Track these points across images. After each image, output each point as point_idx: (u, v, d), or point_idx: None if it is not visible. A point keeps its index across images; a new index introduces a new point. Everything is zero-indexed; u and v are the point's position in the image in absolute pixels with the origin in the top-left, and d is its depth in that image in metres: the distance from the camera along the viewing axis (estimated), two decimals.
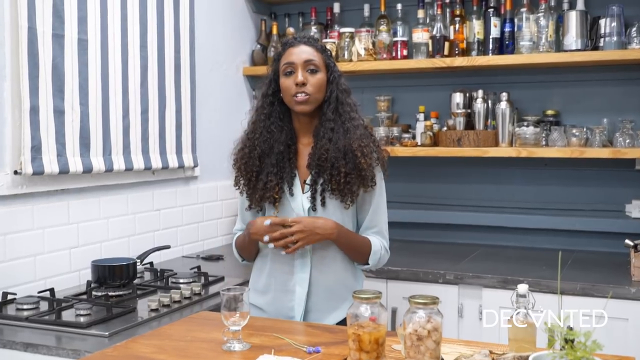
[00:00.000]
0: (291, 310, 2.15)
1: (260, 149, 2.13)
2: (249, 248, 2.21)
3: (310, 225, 2.05)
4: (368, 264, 2.19)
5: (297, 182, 2.13)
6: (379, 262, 2.20)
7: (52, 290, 2.40)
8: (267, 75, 2.19)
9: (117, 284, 2.45)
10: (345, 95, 2.14)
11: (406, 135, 3.49)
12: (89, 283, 2.50)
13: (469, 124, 3.36)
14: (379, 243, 2.19)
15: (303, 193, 2.13)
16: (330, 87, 2.12)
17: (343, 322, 2.08)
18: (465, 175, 3.59)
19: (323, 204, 2.10)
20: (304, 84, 2.06)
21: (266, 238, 2.05)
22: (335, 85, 2.12)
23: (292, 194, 2.12)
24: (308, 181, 2.12)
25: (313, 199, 2.10)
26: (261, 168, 2.13)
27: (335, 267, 2.14)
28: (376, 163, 2.13)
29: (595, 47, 3.08)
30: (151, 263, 2.89)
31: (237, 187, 2.21)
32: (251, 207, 2.17)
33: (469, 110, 3.36)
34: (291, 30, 3.71)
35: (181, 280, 2.64)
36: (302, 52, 2.10)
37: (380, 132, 3.46)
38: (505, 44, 3.24)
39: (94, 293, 2.41)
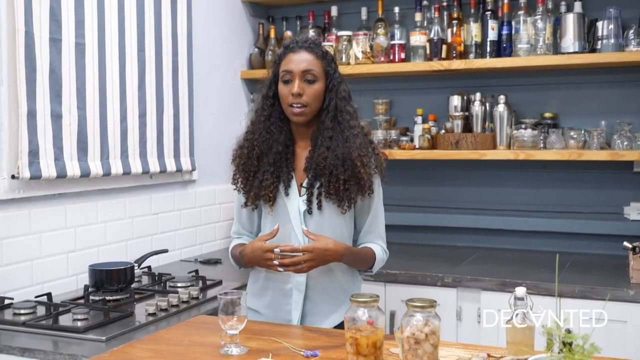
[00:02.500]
0: (288, 313, 2.15)
1: (259, 149, 2.13)
2: (245, 266, 2.22)
3: (322, 254, 2.03)
4: (371, 272, 2.23)
5: (294, 184, 2.13)
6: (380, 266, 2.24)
7: (49, 295, 2.38)
8: (267, 77, 2.18)
9: (114, 288, 2.44)
10: (344, 103, 2.12)
11: (404, 138, 3.49)
12: (86, 287, 2.49)
13: (467, 127, 3.36)
14: (380, 250, 2.21)
15: (300, 196, 2.12)
16: (329, 95, 2.10)
17: (341, 326, 2.07)
18: (463, 178, 3.59)
19: (319, 207, 2.10)
20: (300, 95, 2.05)
21: (276, 262, 2.02)
22: (334, 94, 2.10)
23: (287, 194, 2.12)
24: (304, 184, 2.12)
25: (309, 202, 2.10)
26: (259, 167, 2.13)
27: (332, 270, 2.14)
28: (374, 171, 2.13)
29: (593, 50, 3.08)
30: (149, 267, 2.88)
31: (234, 186, 2.21)
32: (247, 204, 2.17)
33: (466, 113, 3.35)
34: (289, 33, 3.70)
35: (179, 284, 2.63)
36: (301, 61, 2.08)
37: (378, 135, 3.45)
38: (503, 47, 3.24)
39: (91, 297, 2.41)
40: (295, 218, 2.11)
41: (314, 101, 2.08)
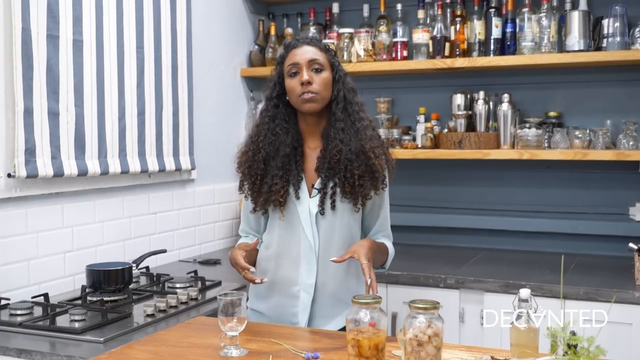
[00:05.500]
0: (295, 316, 2.12)
1: (265, 152, 2.09)
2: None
3: (368, 256, 1.98)
4: (384, 268, 2.23)
5: (304, 186, 2.10)
6: None
7: (46, 295, 2.36)
8: (270, 78, 2.16)
9: (112, 289, 2.42)
10: (352, 94, 2.11)
11: (406, 137, 3.47)
12: (83, 288, 2.46)
13: (470, 126, 3.33)
14: (392, 247, 2.22)
15: (310, 197, 2.09)
16: (337, 85, 2.09)
17: (345, 329, 2.05)
18: (466, 178, 3.56)
19: (333, 207, 2.07)
20: (309, 83, 2.03)
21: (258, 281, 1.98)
22: (342, 84, 2.09)
23: (298, 198, 2.08)
24: (317, 185, 2.09)
25: (322, 202, 2.07)
26: (266, 171, 2.09)
27: (340, 273, 2.11)
28: (385, 165, 2.11)
29: (598, 48, 3.06)
30: (147, 267, 2.86)
31: (241, 192, 2.17)
32: (256, 209, 2.14)
33: (470, 112, 3.33)
34: (289, 30, 3.68)
35: (177, 285, 2.61)
36: (305, 52, 2.07)
37: (380, 134, 3.42)
38: (507, 45, 3.22)
39: (88, 298, 2.38)
40: (306, 220, 2.08)
41: (324, 88, 2.06)
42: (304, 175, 2.11)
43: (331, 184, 2.07)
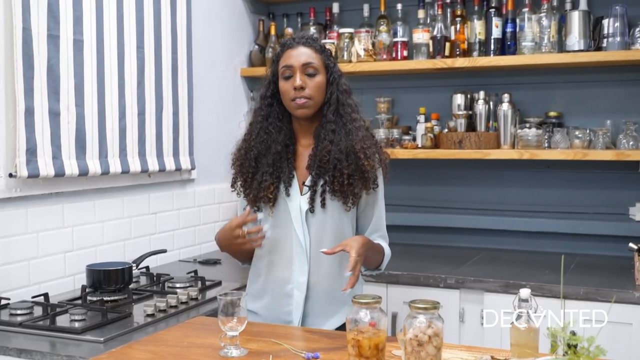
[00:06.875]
0: (288, 314, 2.12)
1: (257, 150, 2.11)
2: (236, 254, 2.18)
3: (361, 250, 1.97)
4: (380, 269, 2.20)
5: (295, 183, 2.11)
6: None
7: (46, 295, 2.36)
8: (265, 77, 2.17)
9: (112, 289, 2.42)
10: (346, 96, 2.11)
11: (406, 137, 3.46)
12: (83, 288, 2.46)
13: (470, 126, 3.33)
14: (388, 248, 2.20)
15: (302, 194, 2.09)
16: (331, 88, 2.09)
17: (342, 328, 2.06)
18: (466, 178, 3.56)
19: (323, 205, 2.07)
20: (302, 88, 2.04)
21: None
22: (335, 87, 2.09)
23: (288, 195, 2.09)
24: (307, 182, 2.10)
25: (312, 200, 2.07)
26: (257, 168, 2.11)
27: (333, 271, 2.11)
28: (378, 165, 2.11)
29: (599, 48, 3.05)
30: (147, 267, 2.86)
31: (233, 189, 2.18)
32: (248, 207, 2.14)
33: (470, 112, 3.33)
34: (289, 30, 3.68)
35: (178, 285, 2.61)
36: (300, 55, 2.07)
37: (380, 134, 3.42)
38: (507, 45, 3.22)
39: (88, 298, 2.38)
40: (296, 217, 2.08)
41: (317, 94, 2.06)
42: (296, 173, 2.12)
43: (321, 182, 2.07)
